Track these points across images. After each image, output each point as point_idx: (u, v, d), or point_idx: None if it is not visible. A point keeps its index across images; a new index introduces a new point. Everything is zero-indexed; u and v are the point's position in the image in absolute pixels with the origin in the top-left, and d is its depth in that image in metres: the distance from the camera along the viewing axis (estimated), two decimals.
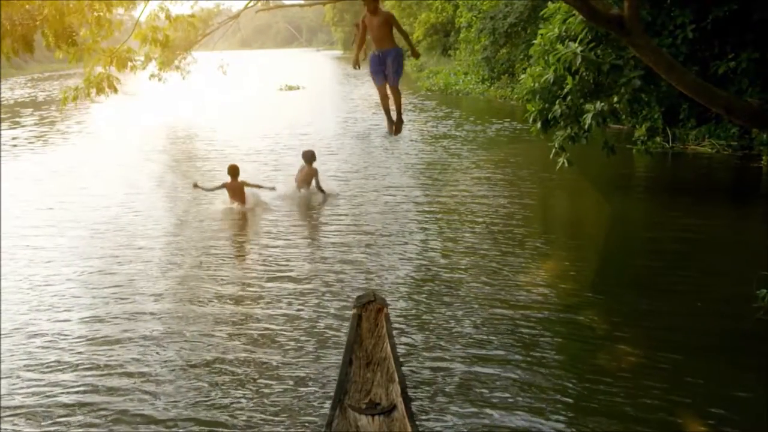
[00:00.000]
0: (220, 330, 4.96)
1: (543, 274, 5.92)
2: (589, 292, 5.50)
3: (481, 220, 7.66)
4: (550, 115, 7.79)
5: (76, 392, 4.15)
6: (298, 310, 5.26)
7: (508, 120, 15.83)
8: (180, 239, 7.40)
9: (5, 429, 3.80)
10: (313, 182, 9.05)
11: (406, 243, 6.90)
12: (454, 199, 8.67)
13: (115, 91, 7.79)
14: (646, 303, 5.25)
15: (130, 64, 7.53)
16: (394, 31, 5.41)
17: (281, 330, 4.91)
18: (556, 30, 7.68)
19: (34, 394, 4.14)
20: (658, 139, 10.51)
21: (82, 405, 3.99)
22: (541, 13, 8.88)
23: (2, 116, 20.64)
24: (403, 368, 3.54)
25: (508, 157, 11.63)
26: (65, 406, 4.01)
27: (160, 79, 13.22)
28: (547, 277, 5.85)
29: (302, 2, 16.07)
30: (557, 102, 7.67)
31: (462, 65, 26.01)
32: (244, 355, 4.53)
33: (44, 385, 4.24)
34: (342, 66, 42.97)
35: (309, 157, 9.15)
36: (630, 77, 7.26)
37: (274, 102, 23.13)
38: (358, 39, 5.44)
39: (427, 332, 4.81)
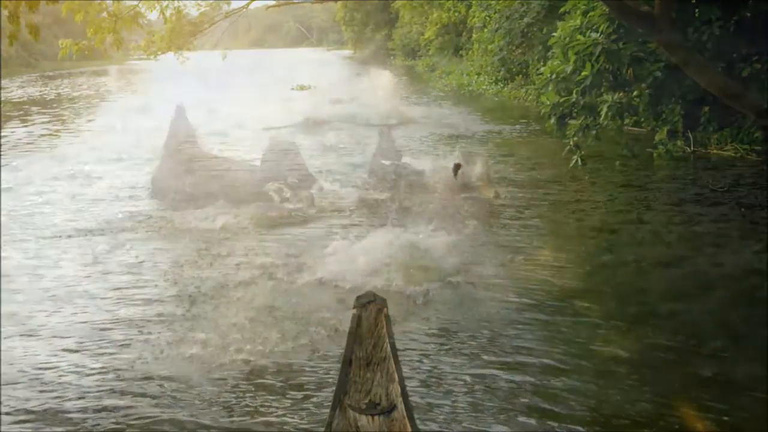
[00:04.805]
0: (220, 327, 4.80)
1: (551, 273, 5.75)
2: (596, 291, 5.39)
3: (488, 216, 7.54)
4: (563, 99, 7.53)
5: (86, 387, 4.08)
6: (297, 308, 5.11)
7: (524, 120, 15.69)
8: (184, 238, 7.22)
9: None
10: None
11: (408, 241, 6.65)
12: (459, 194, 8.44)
13: (120, 47, 7.56)
14: (658, 308, 5.06)
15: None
16: None
17: (280, 329, 4.75)
18: (578, 21, 7.49)
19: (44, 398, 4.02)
20: (679, 142, 10.24)
21: (88, 405, 3.89)
22: (561, 9, 8.68)
23: (14, 114, 20.81)
24: (403, 368, 3.48)
25: (522, 155, 11.44)
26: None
27: (152, 56, 12.90)
28: (555, 276, 5.67)
29: None
30: (573, 91, 7.46)
31: (474, 65, 25.95)
32: (242, 353, 4.40)
33: (46, 386, 4.13)
34: (352, 65, 42.90)
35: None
36: (651, 70, 7.03)
37: (288, 103, 22.98)
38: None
39: (427, 329, 4.70)
